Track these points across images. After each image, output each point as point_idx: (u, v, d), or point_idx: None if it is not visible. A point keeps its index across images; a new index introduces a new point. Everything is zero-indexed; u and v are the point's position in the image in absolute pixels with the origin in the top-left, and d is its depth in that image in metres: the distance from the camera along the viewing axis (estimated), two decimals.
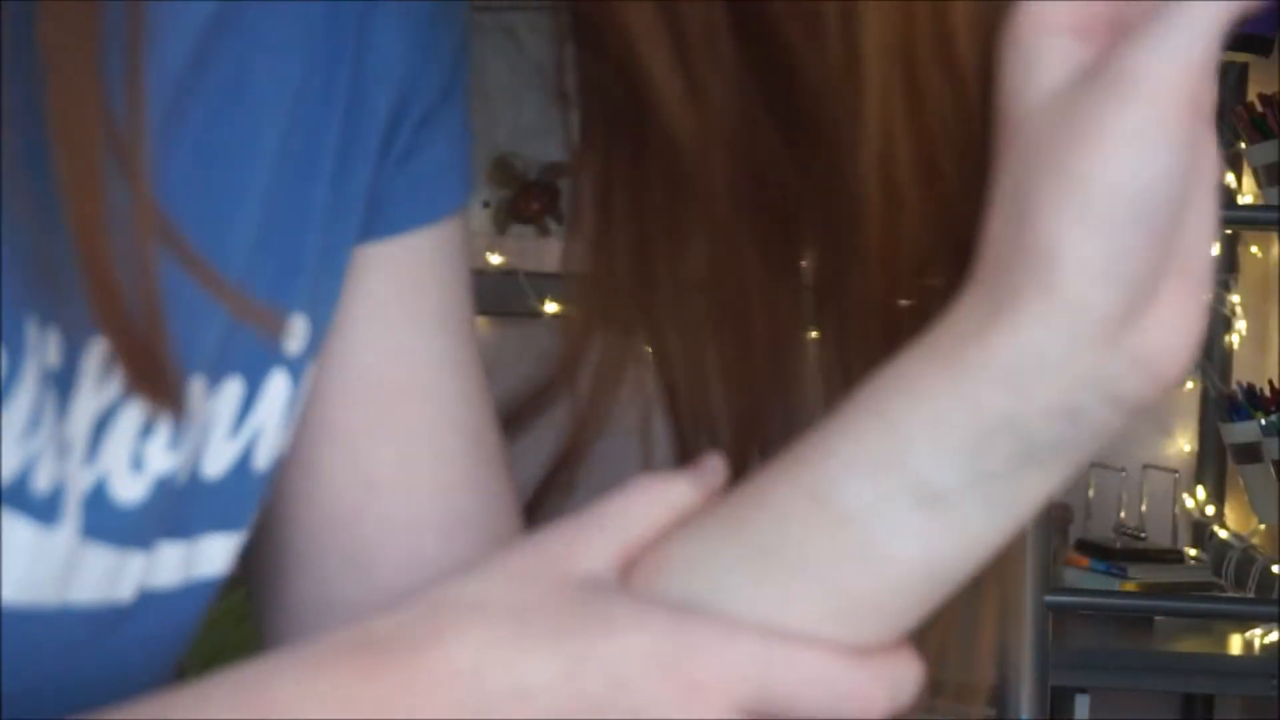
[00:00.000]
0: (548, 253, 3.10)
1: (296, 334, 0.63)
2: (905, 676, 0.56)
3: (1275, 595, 2.69)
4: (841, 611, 0.55)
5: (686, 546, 0.57)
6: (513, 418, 0.71)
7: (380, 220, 0.66)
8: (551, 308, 3.00)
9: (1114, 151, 0.52)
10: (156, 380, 0.52)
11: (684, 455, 0.68)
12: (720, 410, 0.67)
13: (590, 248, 0.68)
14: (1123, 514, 2.99)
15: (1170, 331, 0.54)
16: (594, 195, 0.67)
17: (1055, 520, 2.76)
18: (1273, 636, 2.60)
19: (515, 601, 0.54)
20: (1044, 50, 0.54)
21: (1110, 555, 2.80)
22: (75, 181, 0.49)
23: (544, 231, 3.14)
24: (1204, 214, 0.56)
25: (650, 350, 0.68)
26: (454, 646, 0.53)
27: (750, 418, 0.67)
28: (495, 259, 3.12)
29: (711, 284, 0.66)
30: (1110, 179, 0.52)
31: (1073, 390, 0.54)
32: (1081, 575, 2.75)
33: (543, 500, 0.70)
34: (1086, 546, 2.87)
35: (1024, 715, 1.57)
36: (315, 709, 0.52)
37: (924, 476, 0.54)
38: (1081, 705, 2.68)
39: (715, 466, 0.59)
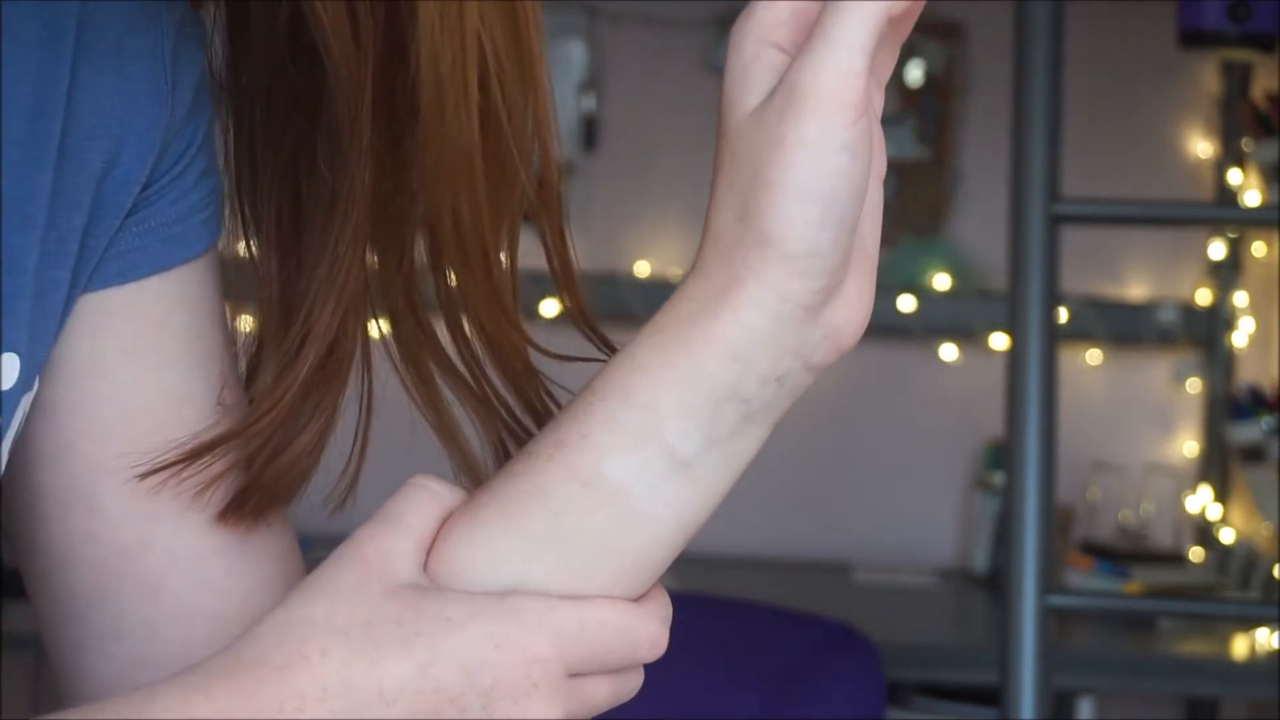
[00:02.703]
0: None
1: (8, 371, 0.67)
2: (668, 610, 0.67)
3: (1279, 597, 2.68)
4: (620, 573, 0.65)
5: (475, 551, 0.65)
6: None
7: (115, 268, 0.71)
8: (550, 307, 2.99)
9: (796, 160, 0.62)
10: None
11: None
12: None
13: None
14: (1126, 515, 2.98)
15: (854, 308, 0.66)
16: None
17: (1057, 521, 2.75)
18: (1277, 639, 2.59)
19: (360, 618, 0.62)
20: (756, 63, 0.64)
21: (1113, 556, 2.79)
22: None
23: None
24: (875, 202, 0.67)
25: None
26: (318, 664, 0.61)
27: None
28: None
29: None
30: (798, 184, 0.62)
31: (781, 359, 0.65)
32: (1084, 577, 2.74)
33: None
34: (1089, 547, 2.86)
35: (1026, 717, 1.56)
36: None
37: (672, 446, 0.65)
38: (1084, 707, 2.67)
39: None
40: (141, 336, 0.71)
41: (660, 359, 0.65)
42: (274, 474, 0.70)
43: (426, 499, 0.66)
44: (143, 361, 0.71)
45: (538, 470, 0.65)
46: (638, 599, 0.66)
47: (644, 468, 0.65)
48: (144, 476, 0.69)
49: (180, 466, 0.69)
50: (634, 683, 0.67)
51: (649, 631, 0.66)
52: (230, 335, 0.74)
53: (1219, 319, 3.07)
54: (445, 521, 0.66)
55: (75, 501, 0.70)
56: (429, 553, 0.65)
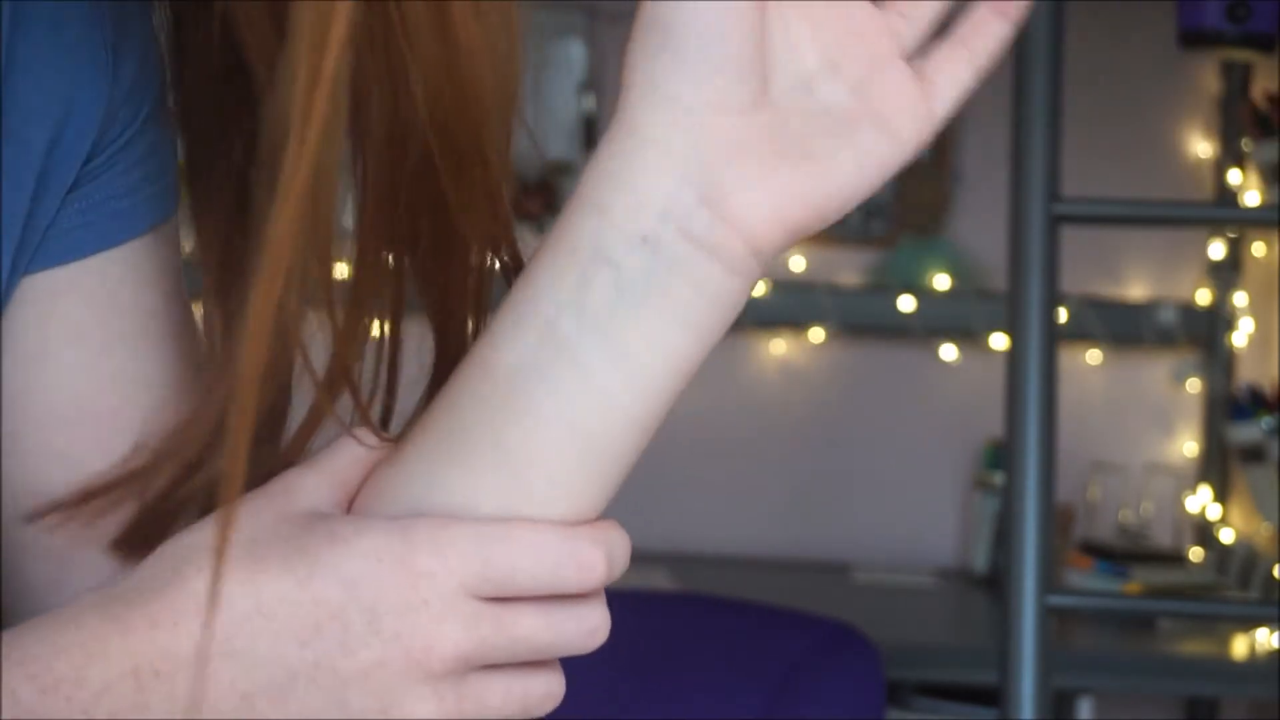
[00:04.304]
0: None
1: None
2: (618, 544, 0.61)
3: (1279, 597, 2.68)
4: (513, 475, 0.60)
5: (391, 466, 0.63)
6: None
7: (59, 247, 0.68)
8: None
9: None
10: None
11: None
12: None
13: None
14: (1126, 515, 2.98)
15: (759, 190, 0.61)
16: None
17: (1057, 521, 2.75)
18: (1277, 639, 2.59)
19: (245, 538, 0.59)
20: None
21: (1113, 556, 2.79)
22: None
23: (544, 230, 3.12)
24: (804, 99, 0.62)
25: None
26: (194, 582, 0.58)
27: None
28: None
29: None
30: (648, 13, 0.60)
31: (644, 216, 0.60)
32: (1084, 576, 2.74)
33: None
34: (1089, 547, 2.86)
35: (1026, 717, 1.56)
36: (67, 661, 0.56)
37: (548, 318, 0.61)
38: (1084, 708, 2.67)
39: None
40: (88, 319, 0.68)
41: (550, 233, 0.63)
42: (181, 499, 0.66)
43: (348, 442, 0.63)
44: (91, 345, 0.68)
45: (457, 372, 0.63)
46: (576, 524, 0.61)
47: (525, 348, 0.61)
48: (35, 519, 0.66)
49: (76, 507, 0.66)
50: (580, 620, 0.61)
51: (571, 551, 0.60)
52: (185, 320, 0.71)
53: (1219, 319, 3.07)
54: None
55: (26, 492, 0.68)
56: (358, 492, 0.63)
